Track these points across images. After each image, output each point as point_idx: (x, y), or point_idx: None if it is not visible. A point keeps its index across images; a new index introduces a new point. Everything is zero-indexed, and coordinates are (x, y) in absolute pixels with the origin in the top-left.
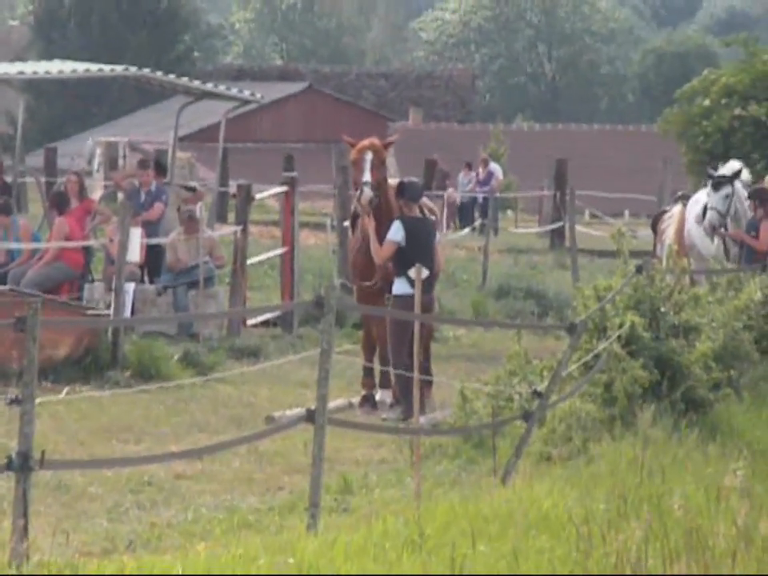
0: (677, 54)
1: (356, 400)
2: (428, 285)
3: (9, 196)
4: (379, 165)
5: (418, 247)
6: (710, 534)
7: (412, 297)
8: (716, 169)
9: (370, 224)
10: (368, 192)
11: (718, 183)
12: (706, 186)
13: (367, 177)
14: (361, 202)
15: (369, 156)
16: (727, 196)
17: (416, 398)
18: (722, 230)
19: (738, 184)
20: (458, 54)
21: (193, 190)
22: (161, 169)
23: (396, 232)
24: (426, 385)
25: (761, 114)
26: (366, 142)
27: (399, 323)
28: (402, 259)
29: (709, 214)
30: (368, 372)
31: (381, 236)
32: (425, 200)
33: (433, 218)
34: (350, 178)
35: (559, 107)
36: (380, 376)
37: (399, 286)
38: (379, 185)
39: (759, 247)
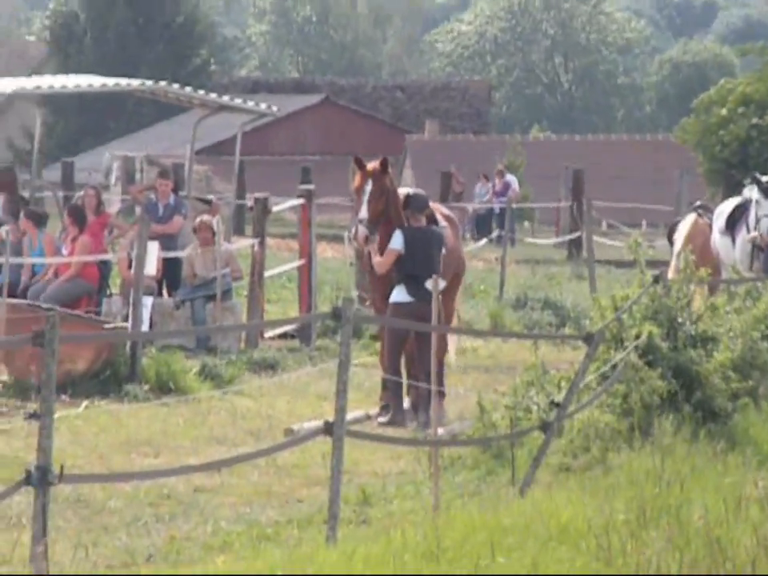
0: (693, 64)
1: (374, 412)
2: (428, 292)
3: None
4: (380, 194)
5: (418, 257)
6: (729, 545)
7: (409, 304)
8: (735, 177)
9: (373, 254)
10: (362, 230)
11: None
12: (727, 194)
13: (363, 213)
14: (357, 239)
15: (369, 187)
16: None
17: (433, 408)
18: None
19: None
20: (474, 66)
21: (209, 203)
22: (175, 183)
23: (396, 241)
24: (437, 395)
25: None
26: (369, 168)
27: (394, 331)
28: (401, 268)
29: (764, 222)
30: (386, 385)
31: (385, 247)
32: (442, 207)
33: (444, 224)
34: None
35: (576, 118)
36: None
37: (397, 294)
38: (378, 217)
39: None
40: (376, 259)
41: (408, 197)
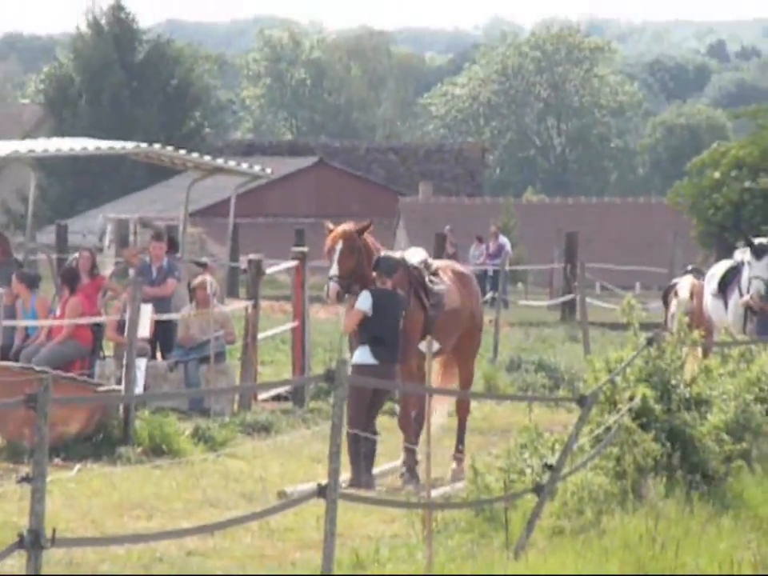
0: (686, 127)
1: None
2: (392, 355)
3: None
4: (350, 253)
5: (383, 319)
6: None
7: (372, 366)
8: (728, 240)
9: (349, 311)
10: (333, 286)
11: (760, 251)
12: (719, 257)
13: (334, 270)
14: (329, 295)
15: (339, 246)
16: None
17: (427, 471)
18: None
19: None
20: (468, 128)
21: (204, 265)
22: (172, 244)
23: (363, 302)
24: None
25: None
26: (339, 230)
27: (356, 391)
28: (367, 329)
29: (754, 283)
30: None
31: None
32: (456, 265)
33: (442, 287)
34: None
35: (569, 180)
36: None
37: (360, 356)
38: (349, 274)
39: None
40: (344, 316)
41: (378, 259)
